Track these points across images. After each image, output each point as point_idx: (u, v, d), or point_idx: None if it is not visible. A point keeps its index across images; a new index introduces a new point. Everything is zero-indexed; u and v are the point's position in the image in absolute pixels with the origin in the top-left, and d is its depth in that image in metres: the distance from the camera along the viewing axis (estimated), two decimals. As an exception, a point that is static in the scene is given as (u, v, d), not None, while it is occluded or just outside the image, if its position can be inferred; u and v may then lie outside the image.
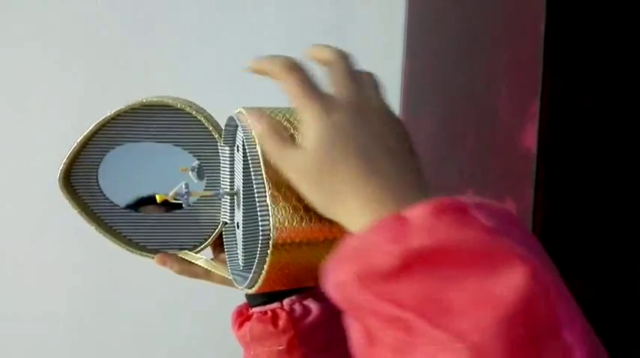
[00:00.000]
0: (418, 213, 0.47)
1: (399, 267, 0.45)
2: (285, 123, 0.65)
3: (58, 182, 0.80)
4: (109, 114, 0.80)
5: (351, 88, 0.60)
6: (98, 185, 0.82)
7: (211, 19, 1.57)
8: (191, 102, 0.82)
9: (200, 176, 0.82)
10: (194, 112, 0.80)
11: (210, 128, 0.81)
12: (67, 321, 1.61)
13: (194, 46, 1.56)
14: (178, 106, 0.80)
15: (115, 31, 1.55)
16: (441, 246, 0.45)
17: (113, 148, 0.82)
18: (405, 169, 0.56)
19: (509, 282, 0.43)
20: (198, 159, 0.82)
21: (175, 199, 0.78)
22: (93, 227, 0.82)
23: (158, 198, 0.78)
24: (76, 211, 0.81)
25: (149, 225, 0.84)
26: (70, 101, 1.52)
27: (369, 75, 0.63)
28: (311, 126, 0.57)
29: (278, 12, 1.58)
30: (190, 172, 0.82)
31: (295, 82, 0.59)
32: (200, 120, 0.81)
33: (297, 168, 0.58)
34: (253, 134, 0.65)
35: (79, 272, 1.59)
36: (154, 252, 0.84)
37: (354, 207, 0.54)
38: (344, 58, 0.62)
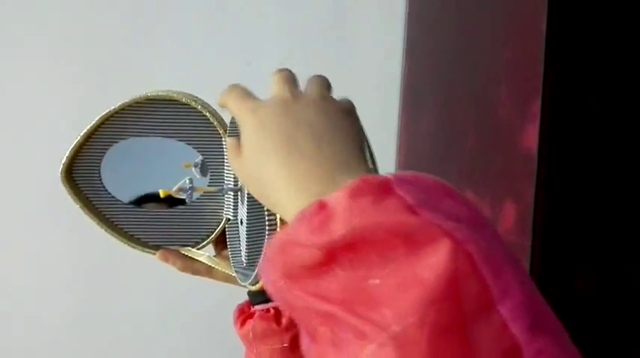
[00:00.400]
0: (337, 197, 0.45)
1: (322, 260, 0.44)
2: None
3: (60, 176, 0.79)
4: (112, 107, 0.79)
5: (282, 87, 0.60)
6: (100, 180, 0.81)
7: (211, 17, 1.56)
8: (196, 97, 0.81)
9: (204, 172, 0.81)
10: (199, 107, 0.80)
11: (215, 123, 0.80)
12: (66, 319, 1.60)
13: (195, 44, 1.56)
14: (183, 101, 0.80)
15: (116, 28, 1.54)
16: (360, 232, 0.43)
17: (116, 142, 0.81)
18: (335, 152, 0.54)
19: (431, 262, 0.40)
20: (202, 155, 0.81)
21: (179, 195, 0.77)
22: (95, 222, 0.81)
23: (161, 193, 0.77)
24: (77, 206, 0.80)
25: (151, 221, 0.83)
26: (72, 95, 1.52)
27: (317, 76, 0.63)
28: (243, 128, 0.59)
29: (278, 12, 1.57)
30: (194, 168, 0.81)
31: (231, 97, 0.61)
32: (205, 116, 0.80)
33: (238, 168, 0.61)
34: None
35: (79, 269, 1.58)
36: (155, 248, 0.83)
37: (283, 197, 0.54)
38: (283, 69, 0.63)
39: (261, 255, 0.68)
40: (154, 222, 0.83)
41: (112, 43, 1.54)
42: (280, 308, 0.81)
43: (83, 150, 0.80)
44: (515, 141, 1.01)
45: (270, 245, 0.49)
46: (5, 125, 1.53)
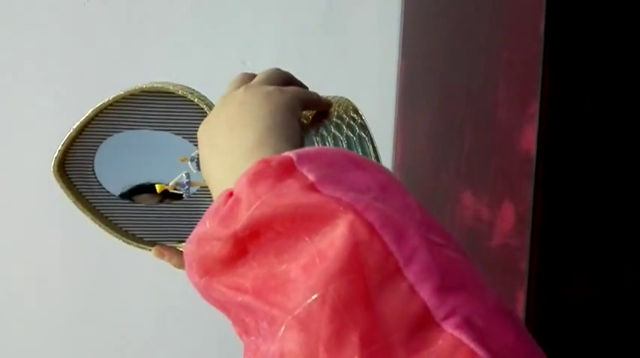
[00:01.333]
0: (240, 185, 0.45)
1: (231, 252, 0.44)
2: None
3: (52, 170, 0.77)
4: (106, 99, 0.77)
5: (231, 88, 0.65)
6: (94, 174, 0.79)
7: (206, 15, 1.55)
8: (193, 89, 0.79)
9: (200, 166, 0.79)
10: (196, 100, 0.78)
11: None
12: (63, 318, 1.58)
13: (190, 43, 1.55)
14: (179, 93, 0.77)
15: (105, 32, 1.53)
16: (259, 219, 0.43)
17: (110, 136, 0.79)
18: (243, 139, 0.56)
19: (332, 237, 0.39)
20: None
21: (176, 189, 0.75)
22: (88, 217, 0.79)
23: (158, 189, 0.76)
24: (70, 200, 0.78)
25: (147, 216, 0.80)
26: (65, 88, 1.50)
27: (269, 70, 0.67)
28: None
29: (273, 10, 1.57)
30: (190, 162, 0.79)
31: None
32: (202, 108, 0.78)
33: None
34: None
35: (73, 267, 1.56)
36: (151, 244, 0.81)
37: (217, 186, 0.56)
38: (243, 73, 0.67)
39: None
40: (150, 217, 0.80)
41: (106, 40, 1.53)
42: None
43: (76, 144, 0.78)
44: (514, 142, 1.01)
45: (187, 242, 0.48)
46: None
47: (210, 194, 0.80)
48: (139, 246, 0.81)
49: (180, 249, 0.81)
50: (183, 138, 0.79)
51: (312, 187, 0.42)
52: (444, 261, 0.39)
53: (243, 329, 0.46)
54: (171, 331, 1.60)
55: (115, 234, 0.80)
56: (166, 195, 0.80)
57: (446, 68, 1.32)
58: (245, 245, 0.43)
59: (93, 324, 1.59)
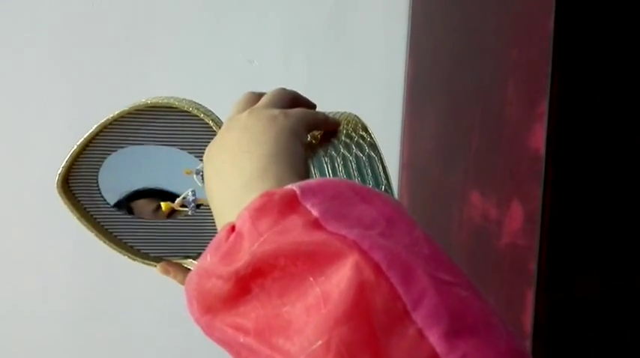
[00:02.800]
0: (242, 220, 0.44)
1: (233, 290, 0.42)
2: None
3: (56, 186, 0.76)
4: (111, 115, 0.76)
5: (233, 111, 0.63)
6: (99, 190, 0.78)
7: (213, 16, 1.54)
8: (198, 104, 0.78)
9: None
10: (201, 115, 0.76)
11: (218, 131, 0.77)
12: (65, 322, 1.59)
13: (196, 43, 1.54)
14: (185, 108, 0.76)
15: (113, 32, 1.53)
16: (261, 258, 0.41)
17: (115, 151, 0.78)
18: (244, 169, 0.54)
19: (337, 278, 0.38)
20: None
21: (182, 207, 0.75)
22: (93, 233, 0.78)
23: (164, 207, 0.75)
24: (75, 217, 0.77)
25: (152, 232, 0.80)
26: (69, 102, 1.49)
27: (271, 91, 0.65)
28: None
29: (280, 11, 1.56)
30: (195, 175, 0.78)
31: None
32: (207, 123, 0.77)
33: None
34: None
35: (78, 275, 1.56)
36: (157, 260, 0.80)
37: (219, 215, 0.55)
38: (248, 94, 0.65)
39: None
40: (155, 233, 0.80)
41: (111, 42, 1.53)
42: None
43: (80, 160, 0.77)
44: (523, 141, 1.00)
45: (187, 278, 0.47)
46: (1, 133, 1.51)
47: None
48: (144, 262, 0.80)
49: (186, 266, 0.80)
50: (189, 153, 0.78)
51: (316, 223, 0.41)
52: (454, 302, 0.38)
53: None
54: (175, 334, 1.61)
55: (120, 250, 0.79)
56: (173, 211, 0.79)
57: (453, 68, 1.31)
58: (247, 283, 0.42)
59: (97, 329, 1.60)
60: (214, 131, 0.77)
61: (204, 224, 0.80)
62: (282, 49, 1.54)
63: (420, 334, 0.36)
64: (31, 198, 1.49)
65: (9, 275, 1.54)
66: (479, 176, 1.17)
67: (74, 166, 0.77)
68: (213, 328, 0.44)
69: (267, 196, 0.43)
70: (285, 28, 1.55)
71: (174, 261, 0.80)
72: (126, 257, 0.79)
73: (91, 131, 0.76)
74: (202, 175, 0.78)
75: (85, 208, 0.78)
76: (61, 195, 0.76)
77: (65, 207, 0.77)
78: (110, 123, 0.76)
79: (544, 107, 0.94)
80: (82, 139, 0.76)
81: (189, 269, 0.80)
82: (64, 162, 0.76)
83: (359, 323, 0.36)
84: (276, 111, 0.60)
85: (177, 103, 0.76)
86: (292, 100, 0.65)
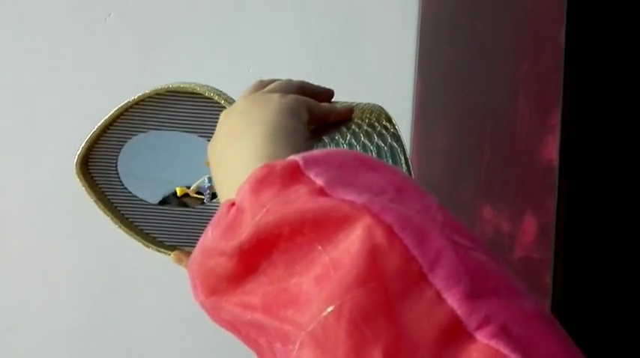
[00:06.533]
0: (243, 193, 0.42)
1: (236, 267, 0.40)
2: None
3: (74, 168, 0.75)
4: (132, 98, 0.75)
5: (245, 94, 0.62)
6: (117, 174, 0.77)
7: (223, 30, 1.55)
8: (220, 90, 0.77)
9: None
10: (223, 101, 0.76)
11: None
12: (75, 328, 1.57)
13: (204, 58, 1.54)
14: (206, 94, 0.76)
15: (127, 43, 1.54)
16: (265, 229, 0.39)
17: (135, 135, 0.77)
18: (243, 148, 0.53)
19: (346, 244, 0.36)
20: None
21: (197, 193, 0.74)
22: (109, 218, 0.77)
23: (178, 191, 0.73)
24: (92, 200, 0.76)
25: (168, 220, 0.79)
26: (82, 111, 1.50)
27: (280, 80, 0.65)
28: None
29: (289, 27, 1.56)
30: None
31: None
32: None
33: None
34: None
35: (82, 275, 1.55)
36: (171, 248, 0.79)
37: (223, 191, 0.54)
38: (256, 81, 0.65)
39: None
40: (171, 221, 0.79)
41: (125, 54, 1.54)
42: None
43: (100, 143, 0.76)
44: (535, 153, 1.00)
45: (190, 262, 0.45)
46: (20, 116, 1.52)
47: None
48: (158, 250, 0.79)
49: None
50: (209, 140, 0.78)
51: (321, 191, 0.39)
52: (473, 264, 0.35)
53: (258, 352, 0.42)
54: (184, 344, 1.59)
55: (135, 236, 0.78)
56: (190, 199, 0.78)
57: (463, 81, 1.31)
58: (252, 258, 0.40)
59: (104, 338, 1.58)
60: None
61: None
62: (292, 64, 1.54)
63: (438, 296, 0.34)
64: (48, 185, 1.49)
65: (15, 279, 1.54)
66: (490, 189, 1.16)
67: (93, 149, 0.76)
68: (219, 310, 0.42)
69: (268, 168, 0.42)
70: (295, 43, 1.55)
71: (189, 250, 0.79)
72: (140, 243, 0.78)
73: (111, 113, 0.75)
74: None
75: (102, 191, 0.77)
76: (79, 177, 0.75)
77: (82, 189, 0.76)
78: (130, 107, 0.76)
79: (556, 118, 0.94)
80: (102, 121, 0.75)
81: None
82: (84, 143, 0.75)
83: (372, 287, 0.34)
84: (274, 94, 0.59)
85: (199, 89, 0.76)
86: (298, 89, 0.64)
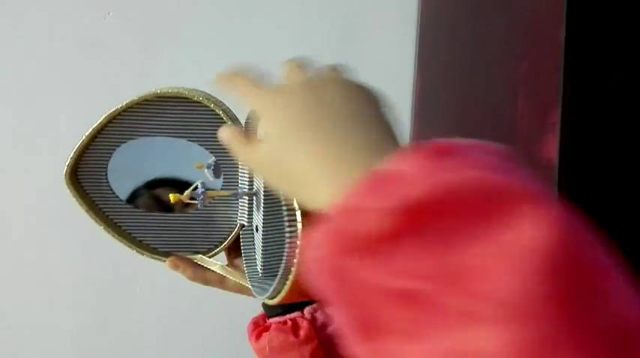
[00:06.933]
0: (409, 161, 0.39)
1: (395, 228, 0.36)
2: None
3: (64, 178, 0.75)
4: (119, 105, 0.74)
5: (298, 74, 0.55)
6: (107, 182, 0.76)
7: (223, 30, 1.56)
8: (209, 94, 0.76)
9: (217, 174, 0.76)
10: (212, 105, 0.75)
11: (229, 122, 0.75)
12: (73, 331, 1.57)
13: (204, 58, 1.54)
14: (195, 99, 0.75)
15: (127, 43, 1.54)
16: (442, 192, 0.37)
17: (124, 143, 0.76)
18: (370, 131, 0.49)
19: (534, 228, 0.35)
20: (215, 156, 0.77)
21: (191, 199, 0.72)
22: (101, 227, 0.76)
23: (172, 199, 0.72)
24: (83, 209, 0.75)
25: (161, 226, 0.78)
26: (81, 108, 1.51)
27: (333, 64, 0.59)
28: (262, 115, 0.53)
29: (289, 27, 1.57)
30: (206, 170, 0.76)
31: (240, 84, 0.56)
32: (218, 114, 0.75)
33: (258, 162, 0.53)
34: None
35: (83, 275, 1.56)
36: (165, 254, 0.78)
37: (319, 185, 0.47)
38: (294, 58, 0.58)
39: (280, 266, 0.63)
40: (164, 227, 0.78)
41: (125, 53, 1.54)
42: (297, 320, 0.76)
43: (89, 151, 0.75)
44: (535, 152, 0.99)
45: (321, 220, 0.40)
46: (8, 125, 1.53)
47: (227, 203, 0.77)
48: (152, 257, 0.78)
49: (196, 261, 0.78)
50: (199, 145, 0.77)
51: (494, 168, 0.38)
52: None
53: (365, 330, 0.38)
54: (183, 348, 1.59)
55: (129, 244, 0.77)
56: (183, 205, 0.77)
57: (463, 80, 1.30)
58: (413, 222, 0.36)
59: (103, 328, 1.59)
60: (225, 121, 0.75)
61: (213, 219, 0.78)
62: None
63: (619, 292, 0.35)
64: (38, 194, 1.50)
65: (15, 279, 1.54)
66: None
67: (82, 158, 0.76)
68: (347, 275, 0.38)
69: (431, 144, 0.40)
70: (295, 43, 1.56)
71: (184, 255, 0.78)
72: (134, 251, 0.77)
73: (99, 122, 0.74)
74: (214, 169, 0.76)
75: (93, 201, 0.76)
76: (69, 187, 0.75)
77: (73, 199, 0.75)
78: (119, 114, 0.75)
79: (556, 117, 0.93)
80: (91, 130, 0.74)
81: (198, 264, 0.78)
82: (72, 153, 0.75)
83: (570, 272, 0.34)
84: (367, 85, 0.55)
85: (187, 93, 0.75)
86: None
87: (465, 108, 1.29)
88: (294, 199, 0.58)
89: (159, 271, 0.79)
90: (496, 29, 1.17)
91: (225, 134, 0.56)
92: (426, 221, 0.36)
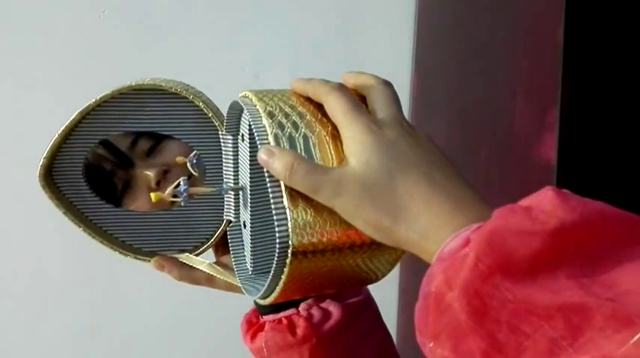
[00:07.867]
0: (541, 198, 0.43)
1: (544, 250, 0.40)
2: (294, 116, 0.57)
3: (38, 179, 0.71)
4: (93, 100, 0.71)
5: (395, 109, 0.56)
6: (84, 181, 0.73)
7: (219, 28, 1.56)
8: (187, 85, 0.73)
9: (199, 168, 0.73)
10: (191, 97, 0.72)
11: (210, 114, 0.72)
12: (69, 331, 1.57)
13: (200, 57, 1.56)
14: (173, 90, 0.72)
15: (121, 36, 1.55)
16: (586, 219, 0.41)
17: (100, 139, 0.73)
18: (460, 183, 0.51)
19: None
20: (197, 150, 0.73)
21: (173, 197, 0.69)
22: (80, 229, 0.72)
23: (153, 198, 0.68)
24: (60, 212, 0.71)
25: (144, 225, 0.74)
26: (76, 100, 1.52)
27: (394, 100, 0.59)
28: (361, 140, 0.52)
29: (286, 26, 1.58)
30: (188, 164, 0.73)
31: (341, 98, 0.55)
32: (198, 106, 0.72)
33: (346, 188, 0.51)
34: (269, 138, 0.55)
35: (80, 275, 1.56)
36: (150, 254, 0.74)
37: (424, 220, 0.48)
38: (384, 82, 0.59)
39: (272, 263, 0.58)
40: (147, 225, 0.74)
41: (120, 51, 1.55)
42: (293, 318, 0.72)
43: (63, 150, 0.72)
44: (533, 151, 0.99)
45: (476, 234, 0.43)
46: (17, 114, 1.53)
47: (212, 198, 0.74)
48: (136, 258, 0.74)
49: (182, 260, 0.74)
50: (180, 139, 0.73)
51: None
52: None
53: (510, 342, 0.40)
54: (177, 349, 1.57)
55: (111, 246, 0.73)
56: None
57: (461, 80, 1.30)
58: (559, 245, 0.40)
59: (103, 328, 1.58)
60: (205, 114, 0.72)
61: (199, 215, 0.74)
62: (288, 64, 1.56)
63: None
64: (11, 197, 1.51)
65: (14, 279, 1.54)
66: (489, 187, 1.14)
67: (57, 158, 0.72)
68: (496, 293, 0.40)
69: (550, 188, 0.44)
70: (292, 43, 1.57)
71: (169, 255, 0.74)
72: (117, 253, 0.73)
73: (71, 119, 0.71)
74: (197, 163, 0.73)
75: (70, 201, 0.72)
76: (44, 189, 0.71)
77: (49, 201, 0.71)
78: (92, 109, 0.72)
79: (555, 116, 0.93)
80: (63, 127, 0.71)
81: (185, 263, 0.74)
82: (45, 152, 0.71)
83: None
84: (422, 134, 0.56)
85: (164, 84, 0.72)
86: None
87: (463, 106, 1.28)
88: (292, 199, 0.54)
89: (147, 269, 0.75)
90: (495, 29, 1.17)
91: (285, 161, 0.53)
92: (566, 246, 0.40)
